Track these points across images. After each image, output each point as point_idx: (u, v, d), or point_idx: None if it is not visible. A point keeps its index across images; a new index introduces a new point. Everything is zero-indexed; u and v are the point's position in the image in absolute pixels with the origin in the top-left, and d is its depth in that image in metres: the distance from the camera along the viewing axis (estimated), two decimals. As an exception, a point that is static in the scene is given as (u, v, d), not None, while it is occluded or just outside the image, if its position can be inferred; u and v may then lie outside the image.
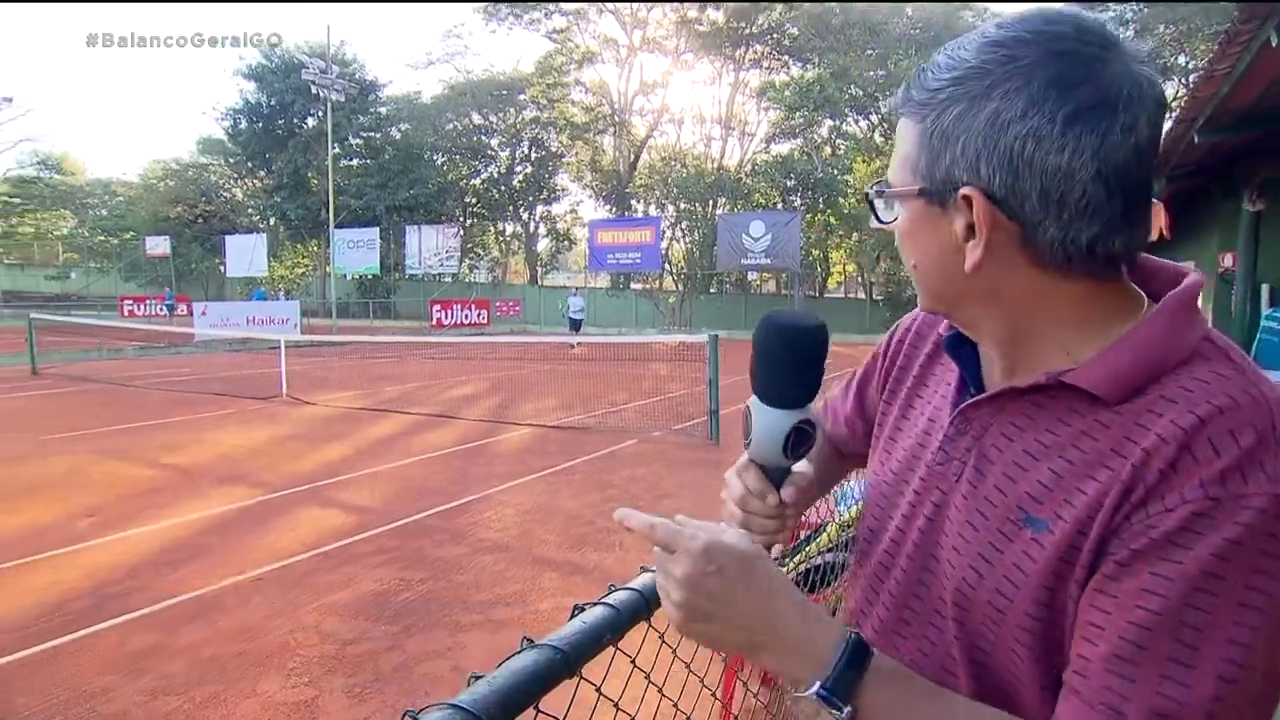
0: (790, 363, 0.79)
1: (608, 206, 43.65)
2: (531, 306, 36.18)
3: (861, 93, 31.74)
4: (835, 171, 30.04)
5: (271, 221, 44.12)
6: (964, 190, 0.71)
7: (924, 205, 0.75)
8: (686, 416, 10.39)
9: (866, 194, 0.81)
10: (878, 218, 0.82)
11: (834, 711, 0.65)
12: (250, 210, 46.93)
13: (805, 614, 0.69)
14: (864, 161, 30.99)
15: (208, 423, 10.17)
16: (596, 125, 41.47)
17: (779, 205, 31.85)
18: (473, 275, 43.07)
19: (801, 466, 0.85)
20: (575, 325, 22.34)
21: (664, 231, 32.80)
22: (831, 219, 30.87)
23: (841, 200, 30.44)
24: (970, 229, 0.72)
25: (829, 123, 32.56)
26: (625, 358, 18.05)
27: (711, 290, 35.82)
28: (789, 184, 30.84)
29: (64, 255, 48.77)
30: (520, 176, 43.70)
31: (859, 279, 38.93)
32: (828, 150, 32.75)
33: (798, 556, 1.53)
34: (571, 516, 5.99)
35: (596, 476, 7.24)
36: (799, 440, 0.81)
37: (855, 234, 30.63)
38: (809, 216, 30.38)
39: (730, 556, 0.69)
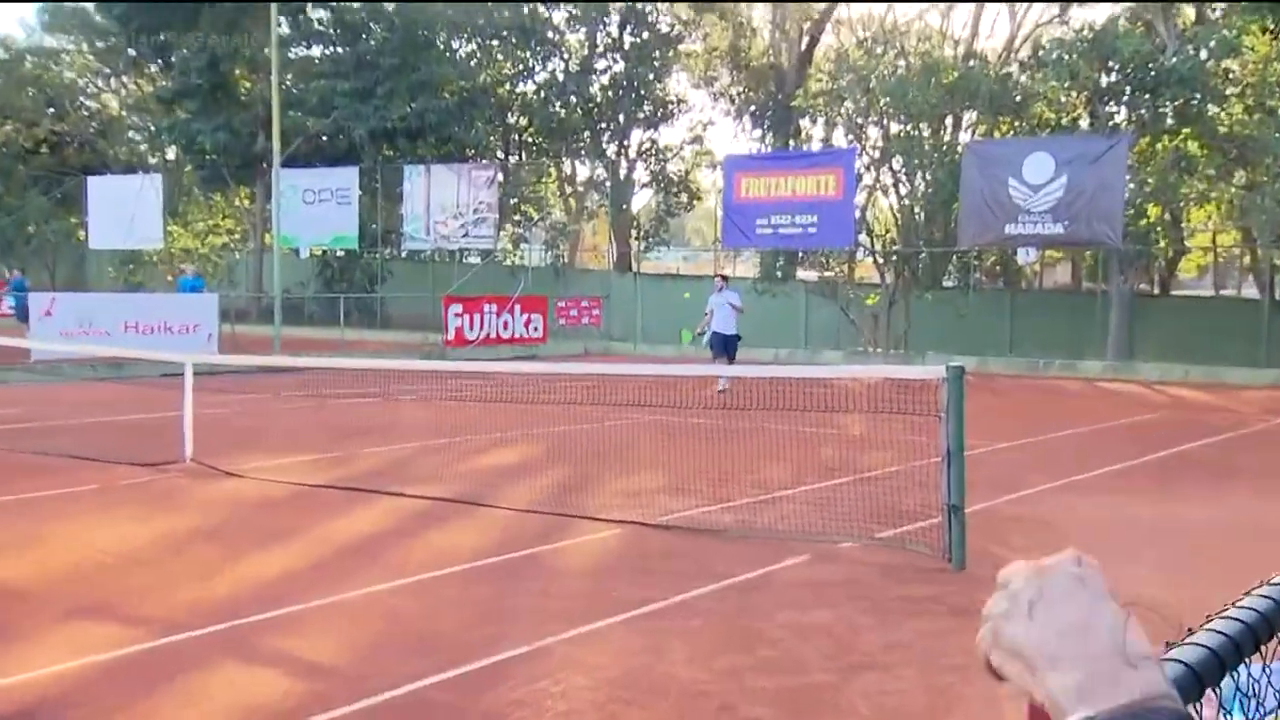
0: None
1: (757, 132, 43.80)
2: (621, 308, 36.63)
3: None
4: (1201, 56, 28.94)
5: (171, 154, 45.96)
6: None
7: None
8: (901, 515, 10.21)
9: None
10: None
11: None
12: (134, 135, 48.78)
13: None
14: (1267, 32, 29.60)
15: (51, 506, 10.57)
16: (741, -16, 41.97)
17: (1083, 123, 31.15)
18: (520, 254, 44.05)
19: None
20: (724, 347, 22.16)
21: (859, 175, 32.73)
22: (1192, 146, 29.82)
23: (1216, 110, 29.38)
24: None
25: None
26: (786, 403, 17.91)
27: (947, 283, 35.21)
28: (1105, 83, 30.04)
29: None
30: (605, 78, 44.47)
31: (1245, 260, 37.60)
32: (1187, 15, 31.73)
33: None
34: (691, 694, 5.94)
35: (735, 622, 7.19)
36: None
37: (1242, 172, 29.38)
38: (1144, 143, 29.51)
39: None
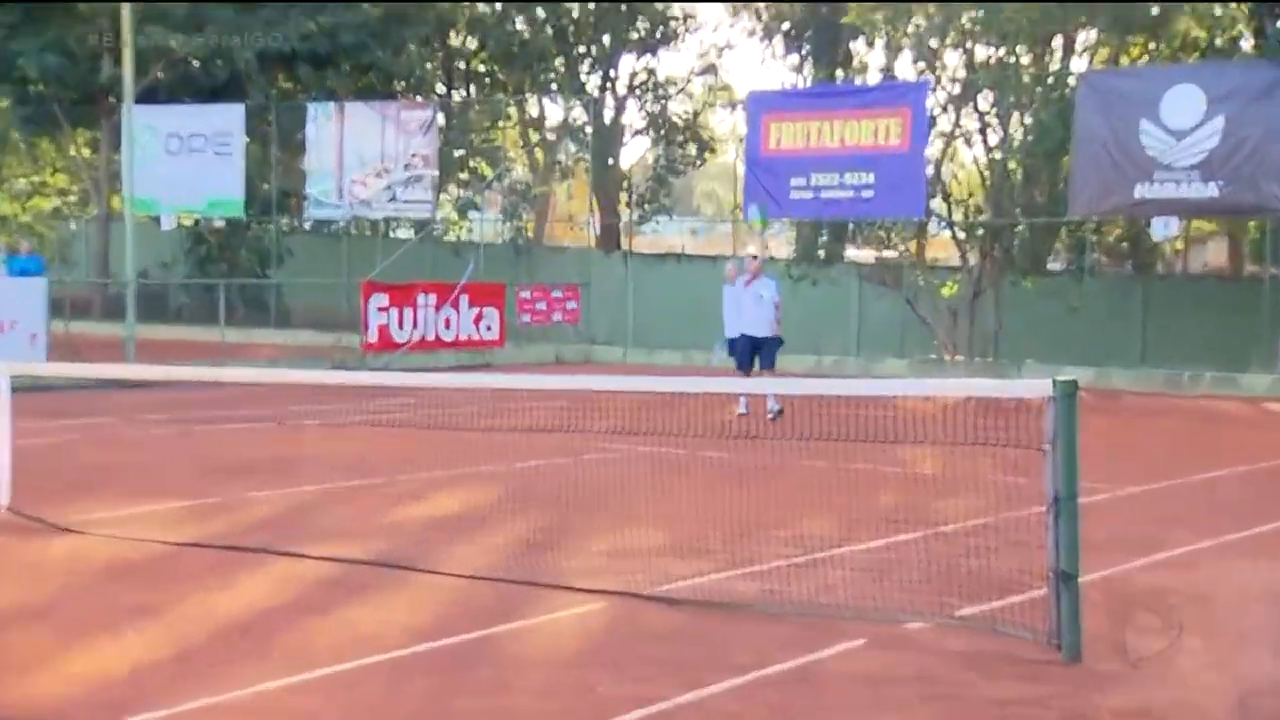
0: None
1: (793, 59, 43.72)
2: (607, 300, 36.56)
3: None
4: None
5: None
6: None
7: None
8: (991, 584, 10.21)
9: None
10: None
11: None
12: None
13: None
14: None
15: None
16: None
17: (1246, 44, 31.11)
18: (468, 225, 44.27)
19: None
20: (750, 355, 22.42)
21: (933, 119, 32.93)
22: None
23: None
24: None
25: None
26: (832, 431, 17.86)
27: (1053, 266, 35.20)
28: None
29: None
30: (583, -16, 44.44)
31: None
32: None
33: None
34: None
35: (769, 733, 7.17)
36: None
37: None
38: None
39: None
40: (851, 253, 37.05)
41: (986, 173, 33.95)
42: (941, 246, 37.07)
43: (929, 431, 17.24)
